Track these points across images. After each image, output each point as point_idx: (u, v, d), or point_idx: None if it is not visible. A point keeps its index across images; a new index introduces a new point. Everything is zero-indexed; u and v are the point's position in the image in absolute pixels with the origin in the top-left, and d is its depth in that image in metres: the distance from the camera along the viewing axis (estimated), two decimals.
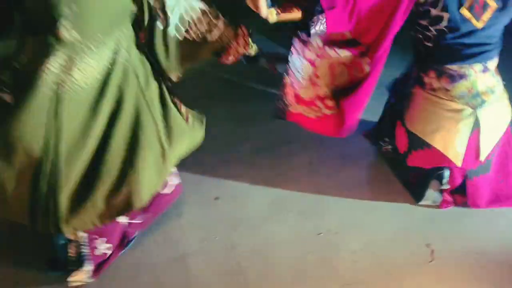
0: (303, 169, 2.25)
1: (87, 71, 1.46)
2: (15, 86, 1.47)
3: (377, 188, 2.13)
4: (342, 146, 2.37)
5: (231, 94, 2.75)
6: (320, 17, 1.64)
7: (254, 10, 1.60)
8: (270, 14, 1.62)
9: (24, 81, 1.46)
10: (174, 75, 1.66)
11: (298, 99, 1.80)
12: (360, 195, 2.09)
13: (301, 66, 1.73)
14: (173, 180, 1.91)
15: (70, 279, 1.68)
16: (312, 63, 1.74)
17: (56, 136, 1.47)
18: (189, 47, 1.60)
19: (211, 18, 1.58)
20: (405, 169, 2.05)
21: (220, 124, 2.55)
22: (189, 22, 1.55)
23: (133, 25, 1.55)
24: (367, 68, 1.74)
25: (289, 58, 1.73)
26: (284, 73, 1.76)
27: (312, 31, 1.66)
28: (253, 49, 1.71)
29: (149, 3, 1.50)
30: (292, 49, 1.71)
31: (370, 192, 2.11)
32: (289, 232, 1.92)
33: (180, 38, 1.57)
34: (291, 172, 2.23)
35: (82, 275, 1.68)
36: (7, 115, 1.47)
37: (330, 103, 1.78)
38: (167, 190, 1.88)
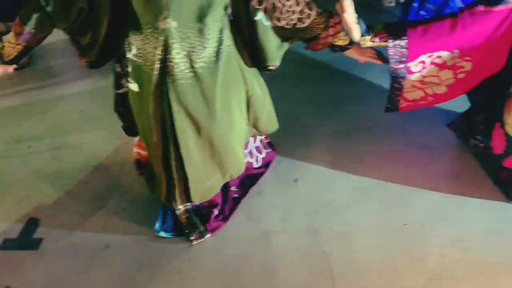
0: (385, 157, 2.18)
1: (190, 57, 1.53)
2: (137, 76, 1.60)
3: (465, 182, 2.03)
4: (425, 136, 2.28)
5: (311, 75, 2.70)
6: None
7: (349, 33, 1.58)
8: (364, 41, 1.60)
9: (140, 72, 1.58)
10: (273, 65, 1.69)
11: (406, 100, 1.78)
12: (447, 189, 2.00)
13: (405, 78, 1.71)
14: (263, 153, 2.08)
15: (192, 237, 1.82)
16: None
17: (170, 118, 1.60)
18: (279, 35, 1.61)
19: (304, 7, 1.56)
20: (497, 166, 1.95)
21: (299, 106, 2.52)
22: (281, 10, 1.54)
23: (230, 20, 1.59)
24: (468, 66, 1.68)
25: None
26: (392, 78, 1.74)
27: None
28: (342, 41, 1.66)
29: None
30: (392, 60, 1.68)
31: (457, 186, 2.01)
32: (373, 220, 1.88)
33: (271, 25, 1.57)
34: (373, 160, 2.17)
35: (198, 234, 1.83)
36: (136, 103, 1.66)
37: (439, 92, 1.73)
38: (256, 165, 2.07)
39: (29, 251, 1.81)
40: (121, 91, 1.73)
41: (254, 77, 1.76)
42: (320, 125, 2.38)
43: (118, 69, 1.68)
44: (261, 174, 2.10)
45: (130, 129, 1.90)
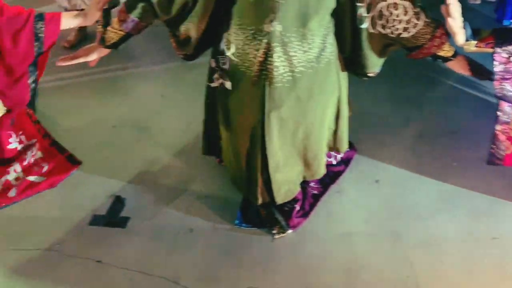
0: (472, 164, 2.09)
1: (291, 61, 1.52)
2: (231, 74, 1.61)
3: None
4: None
5: (396, 73, 2.61)
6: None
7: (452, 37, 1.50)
8: (468, 45, 1.51)
9: (236, 70, 1.59)
10: (373, 72, 1.67)
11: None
12: None
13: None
14: (341, 153, 2.06)
15: (273, 231, 1.84)
16: None
17: (262, 119, 1.60)
18: (381, 42, 1.58)
19: (412, 17, 1.50)
20: None
21: (380, 105, 2.46)
22: (387, 18, 1.50)
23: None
24: None
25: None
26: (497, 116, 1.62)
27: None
28: (445, 52, 1.57)
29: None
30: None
31: None
32: (460, 230, 1.82)
33: (375, 32, 1.54)
34: (458, 166, 2.10)
35: (279, 229, 1.84)
36: (227, 100, 1.67)
37: None
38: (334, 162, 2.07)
39: (118, 228, 1.90)
40: (212, 85, 1.75)
41: (345, 84, 1.76)
42: (403, 126, 2.32)
43: (213, 65, 1.70)
44: (341, 172, 2.08)
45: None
